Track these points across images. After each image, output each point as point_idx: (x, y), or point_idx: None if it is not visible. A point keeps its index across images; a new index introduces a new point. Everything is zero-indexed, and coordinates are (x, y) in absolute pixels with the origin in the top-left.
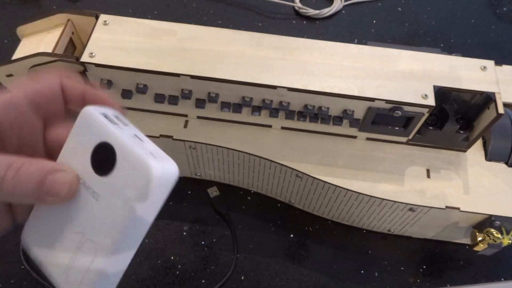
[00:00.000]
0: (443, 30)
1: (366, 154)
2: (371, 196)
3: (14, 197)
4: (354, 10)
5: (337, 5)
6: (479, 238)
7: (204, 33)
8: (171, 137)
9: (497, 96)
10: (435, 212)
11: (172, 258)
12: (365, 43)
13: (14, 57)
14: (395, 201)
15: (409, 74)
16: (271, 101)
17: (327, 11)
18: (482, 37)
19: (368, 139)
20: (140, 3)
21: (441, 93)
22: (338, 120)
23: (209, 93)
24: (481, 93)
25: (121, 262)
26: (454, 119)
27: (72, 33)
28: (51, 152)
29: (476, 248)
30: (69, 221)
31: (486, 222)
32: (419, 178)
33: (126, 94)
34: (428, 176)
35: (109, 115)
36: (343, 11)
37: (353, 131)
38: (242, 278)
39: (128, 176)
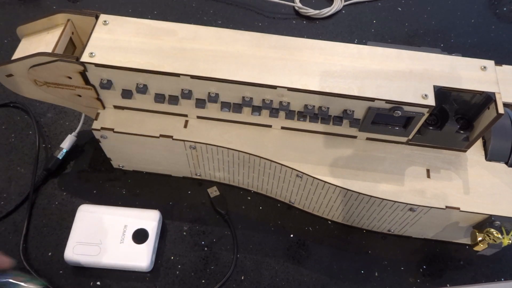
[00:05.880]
0: (443, 30)
1: (366, 154)
2: (371, 196)
3: None
4: (354, 10)
5: (337, 5)
6: (479, 238)
7: (204, 33)
8: (171, 137)
9: (497, 96)
10: (435, 212)
11: (172, 258)
12: (365, 43)
13: (14, 57)
14: (395, 201)
15: (409, 74)
16: (271, 101)
17: (327, 11)
18: (482, 37)
19: (368, 139)
20: (140, 3)
21: (441, 93)
22: (338, 120)
23: (209, 93)
24: (481, 93)
25: None
26: (454, 119)
27: (72, 33)
28: None
29: (476, 248)
30: None
31: (486, 222)
32: (419, 178)
33: (126, 94)
34: (428, 176)
35: None
36: (343, 11)
37: (353, 131)
38: (242, 278)
39: None
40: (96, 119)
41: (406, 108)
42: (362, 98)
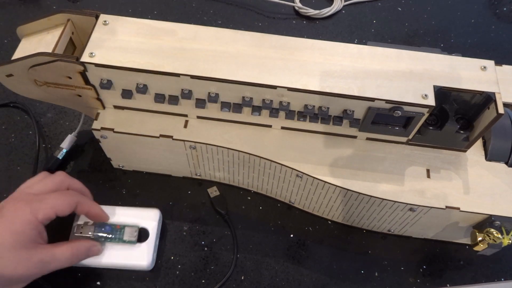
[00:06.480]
0: (443, 30)
1: (366, 154)
2: (371, 196)
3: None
4: (354, 10)
5: (337, 5)
6: (479, 238)
7: (204, 33)
8: (171, 137)
9: (497, 96)
10: (435, 212)
11: (172, 258)
12: (365, 43)
13: (14, 57)
14: (395, 201)
15: (409, 74)
16: (271, 101)
17: (327, 11)
18: (482, 37)
19: (368, 139)
20: (140, 3)
21: (441, 93)
22: (338, 120)
23: (209, 93)
24: (481, 93)
25: None
26: (454, 119)
27: (72, 33)
28: None
29: (476, 248)
30: None
31: (486, 222)
32: (419, 178)
33: (126, 94)
34: (428, 176)
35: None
36: (343, 11)
37: (353, 131)
38: (242, 278)
39: None
40: (96, 119)
41: (406, 108)
42: (362, 98)
